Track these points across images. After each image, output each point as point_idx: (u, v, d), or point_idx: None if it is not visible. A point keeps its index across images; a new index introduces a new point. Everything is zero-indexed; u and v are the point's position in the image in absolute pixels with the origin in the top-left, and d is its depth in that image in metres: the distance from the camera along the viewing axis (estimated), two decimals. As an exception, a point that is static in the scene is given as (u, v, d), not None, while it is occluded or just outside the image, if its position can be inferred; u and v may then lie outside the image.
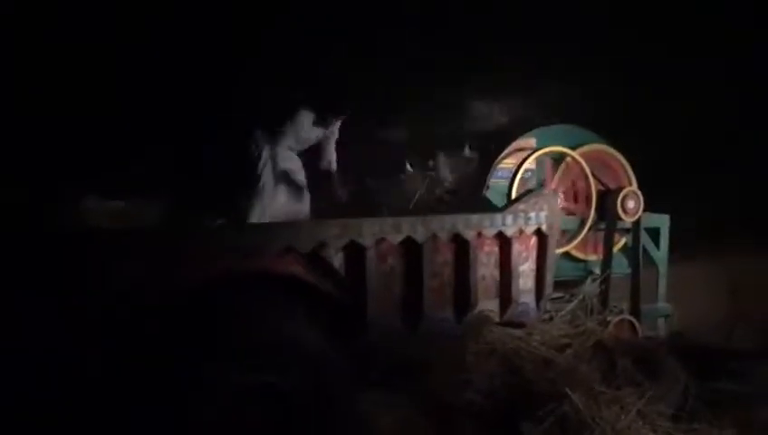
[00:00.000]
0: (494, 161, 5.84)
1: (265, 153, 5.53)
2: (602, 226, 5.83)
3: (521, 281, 4.68)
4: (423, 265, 4.21)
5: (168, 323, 3.42)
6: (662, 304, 6.04)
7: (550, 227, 4.75)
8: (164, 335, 3.41)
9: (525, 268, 4.71)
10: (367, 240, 3.98)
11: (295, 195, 5.67)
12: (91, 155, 5.23)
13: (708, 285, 6.76)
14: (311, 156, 5.94)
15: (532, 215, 4.66)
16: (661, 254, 6.05)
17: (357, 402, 3.98)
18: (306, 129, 5.73)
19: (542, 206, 4.72)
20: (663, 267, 6.05)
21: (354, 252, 3.99)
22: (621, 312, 5.73)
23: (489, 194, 5.79)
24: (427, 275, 4.24)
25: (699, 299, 6.53)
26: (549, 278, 4.82)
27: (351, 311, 4.01)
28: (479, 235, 4.44)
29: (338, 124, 5.93)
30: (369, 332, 4.05)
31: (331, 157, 6.03)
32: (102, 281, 3.29)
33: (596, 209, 5.76)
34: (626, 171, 6.06)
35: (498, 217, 4.52)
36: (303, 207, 5.70)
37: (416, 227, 4.16)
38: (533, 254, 4.75)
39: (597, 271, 5.83)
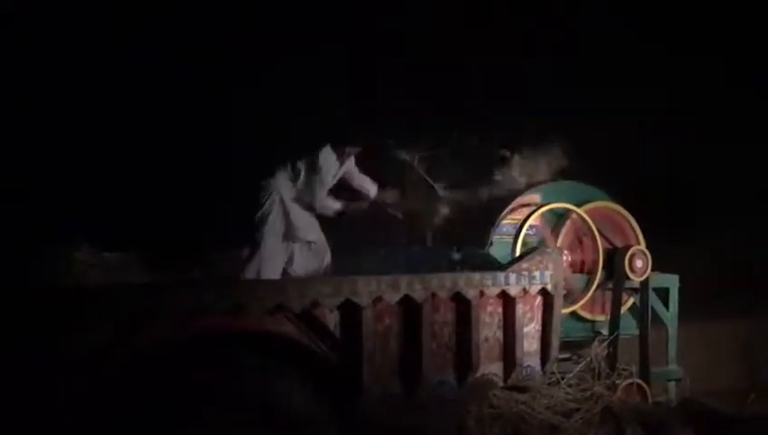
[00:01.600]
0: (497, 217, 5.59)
1: (274, 207, 5.22)
2: (610, 285, 5.55)
3: (525, 343, 4.41)
4: (422, 325, 3.96)
5: (145, 384, 3.18)
6: (672, 367, 5.71)
7: (555, 286, 4.50)
8: (140, 396, 3.16)
9: (530, 329, 4.45)
10: (363, 299, 3.73)
11: (309, 253, 5.29)
12: (85, 205, 5.03)
13: (718, 347, 6.47)
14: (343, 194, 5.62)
15: (537, 274, 4.41)
16: (671, 314, 5.74)
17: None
18: (329, 169, 5.37)
19: (546, 264, 4.47)
20: (673, 329, 5.74)
21: (349, 311, 3.74)
22: (630, 375, 5.40)
23: (493, 250, 5.53)
24: (427, 336, 3.98)
25: (709, 361, 6.23)
26: (554, 340, 4.55)
27: (346, 373, 3.74)
28: (481, 294, 4.19)
29: (352, 157, 5.60)
30: (365, 396, 3.77)
31: (364, 183, 5.66)
32: (72, 340, 3.05)
33: (603, 268, 5.49)
34: (633, 229, 5.80)
35: (501, 275, 4.28)
36: (321, 263, 5.32)
37: (414, 286, 3.91)
38: (538, 314, 4.49)
39: (604, 332, 5.52)
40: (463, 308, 4.14)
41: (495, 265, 5.04)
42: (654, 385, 5.47)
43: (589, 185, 5.81)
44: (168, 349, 3.20)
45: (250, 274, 5.03)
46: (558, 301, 4.53)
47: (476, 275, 4.16)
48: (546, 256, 4.49)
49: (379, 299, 3.81)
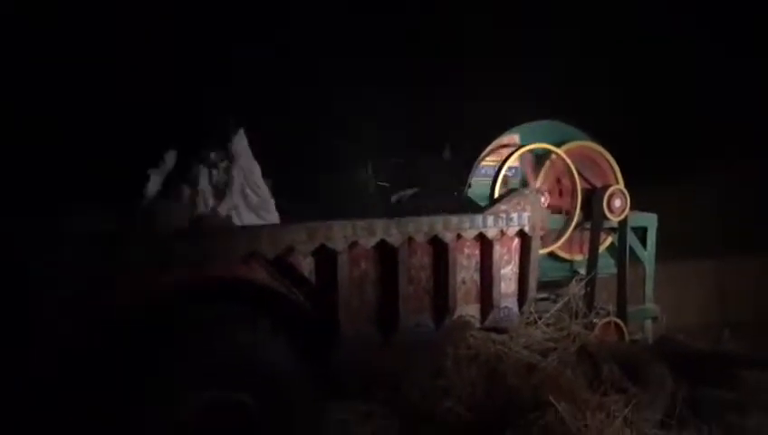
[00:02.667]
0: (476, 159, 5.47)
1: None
2: (588, 225, 5.48)
3: (503, 284, 4.34)
4: (399, 270, 3.87)
5: (118, 338, 3.07)
6: (649, 306, 5.70)
7: (533, 228, 4.41)
8: (114, 351, 3.06)
9: (507, 271, 4.38)
10: (338, 244, 3.63)
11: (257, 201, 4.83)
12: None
13: (694, 286, 6.47)
14: None
15: (515, 216, 4.32)
16: (648, 254, 5.71)
17: (323, 417, 3.64)
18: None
19: (524, 206, 4.37)
20: (650, 268, 5.72)
21: (324, 257, 3.64)
22: (608, 314, 5.39)
23: (471, 193, 5.43)
24: (403, 280, 3.89)
25: (680, 299, 6.24)
26: (532, 281, 4.48)
27: (322, 320, 3.66)
28: (458, 237, 4.10)
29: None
30: (343, 342, 3.71)
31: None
32: (41, 292, 2.93)
33: (581, 208, 5.41)
34: (612, 169, 5.71)
35: (479, 217, 4.18)
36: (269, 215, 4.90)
37: (390, 230, 3.81)
38: (516, 256, 4.42)
39: (582, 271, 5.48)
40: (440, 251, 4.05)
41: (474, 208, 4.97)
42: (631, 323, 5.47)
43: (568, 124, 5.69)
44: (135, 306, 3.08)
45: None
46: (535, 243, 4.45)
47: (454, 218, 4.06)
48: (524, 198, 4.39)
49: (354, 244, 3.70)
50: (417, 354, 4.11)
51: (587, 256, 5.49)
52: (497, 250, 4.26)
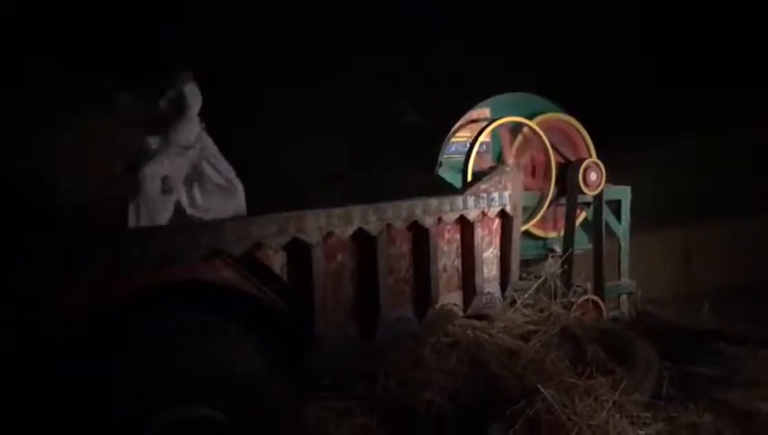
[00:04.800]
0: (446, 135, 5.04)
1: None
2: (562, 201, 5.12)
3: (485, 269, 3.95)
4: (378, 260, 3.42)
5: (73, 352, 2.57)
6: (626, 281, 5.41)
7: (514, 207, 4.02)
8: (68, 366, 2.56)
9: (489, 254, 3.98)
10: (312, 236, 3.16)
11: (219, 193, 4.03)
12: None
13: (664, 257, 6.20)
14: None
15: (496, 195, 3.91)
16: (623, 227, 5.41)
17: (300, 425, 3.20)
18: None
19: (505, 184, 3.97)
20: (625, 242, 5.41)
21: (297, 251, 3.17)
22: (585, 291, 5.06)
23: (442, 171, 5.00)
24: (383, 271, 3.45)
25: (659, 271, 5.97)
26: (514, 264, 4.10)
27: (297, 319, 3.20)
28: (439, 220, 3.67)
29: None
30: (320, 341, 3.25)
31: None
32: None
33: (556, 183, 5.05)
34: (585, 141, 5.35)
35: (459, 199, 3.76)
36: (236, 203, 4.11)
37: (368, 217, 3.35)
38: (497, 238, 4.02)
39: (557, 248, 5.14)
40: (420, 238, 3.62)
41: (448, 188, 4.55)
42: (608, 299, 5.17)
43: (539, 96, 5.30)
44: (88, 317, 2.57)
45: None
46: (517, 223, 4.07)
47: (434, 201, 3.63)
48: (505, 176, 3.98)
49: (329, 235, 3.24)
50: (398, 348, 3.69)
51: (562, 233, 5.15)
52: (479, 233, 3.86)
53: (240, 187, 4.01)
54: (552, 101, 5.31)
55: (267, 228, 3.01)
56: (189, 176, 3.87)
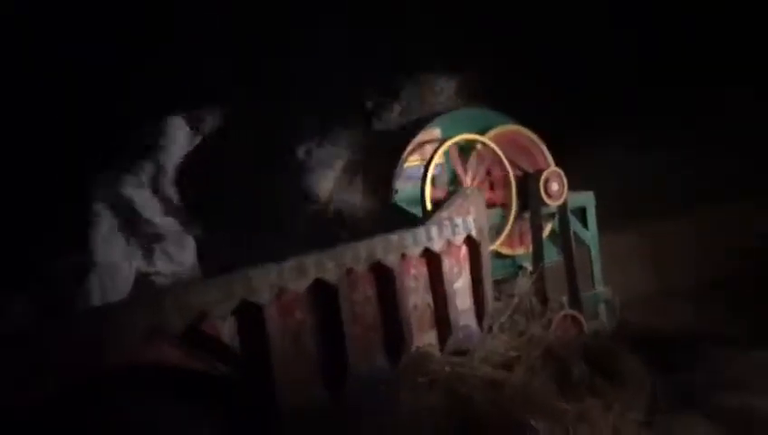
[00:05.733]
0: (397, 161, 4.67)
1: (100, 204, 3.71)
2: (525, 215, 4.79)
3: (458, 301, 3.58)
4: (341, 311, 3.02)
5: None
6: (600, 289, 5.09)
7: (480, 231, 3.67)
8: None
9: (460, 285, 3.62)
10: (263, 296, 2.74)
11: (172, 246, 3.90)
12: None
13: (633, 259, 5.91)
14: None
15: (459, 221, 3.56)
16: (591, 234, 5.10)
17: None
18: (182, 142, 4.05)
19: (467, 208, 3.62)
20: (595, 249, 5.10)
21: (248, 315, 2.75)
22: (562, 306, 4.72)
23: (399, 199, 4.64)
24: (348, 320, 3.05)
25: (626, 274, 5.67)
26: (488, 291, 3.75)
27: (256, 390, 2.77)
28: (402, 257, 3.29)
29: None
30: (282, 409, 2.82)
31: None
32: None
33: (517, 198, 4.72)
34: (542, 151, 5.05)
35: (421, 231, 3.39)
36: (185, 257, 3.95)
37: (324, 265, 2.95)
38: (466, 266, 3.66)
39: (527, 265, 4.80)
40: (383, 278, 3.24)
41: (406, 217, 4.19)
42: (584, 311, 4.84)
43: (488, 110, 4.99)
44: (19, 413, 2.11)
45: (95, 297, 3.59)
46: (485, 247, 3.72)
47: (393, 237, 3.25)
48: (466, 199, 3.64)
49: (283, 291, 2.83)
50: (373, 405, 3.28)
51: (530, 249, 4.82)
52: (446, 263, 3.49)
53: (190, 237, 3.65)
54: (501, 112, 5.01)
55: (210, 295, 2.58)
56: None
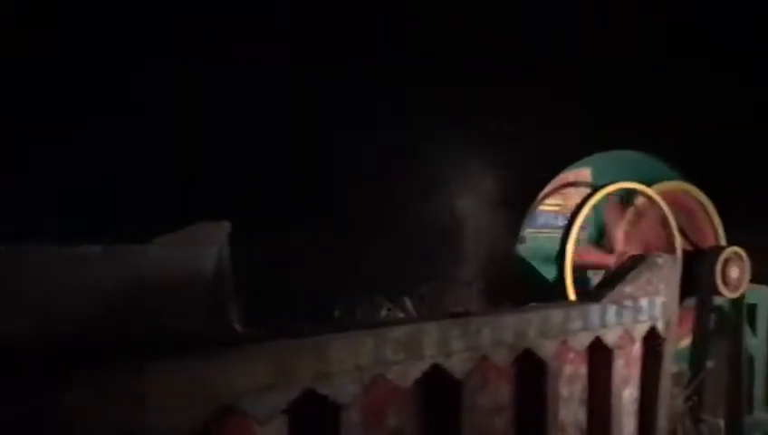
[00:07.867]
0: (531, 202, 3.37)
1: None
2: (689, 302, 3.39)
3: (622, 422, 2.20)
4: (461, 419, 1.71)
5: None
6: (763, 416, 3.60)
7: (668, 324, 2.29)
8: None
9: (626, 397, 2.24)
10: (341, 387, 1.47)
11: None
12: None
13: None
14: None
15: (645, 304, 2.20)
16: (759, 341, 3.63)
17: None
18: None
19: (657, 286, 2.26)
20: (761, 361, 3.62)
21: (311, 414, 1.47)
22: (719, 430, 3.29)
23: (525, 251, 3.32)
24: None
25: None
26: (662, 414, 2.34)
27: None
28: (563, 345, 1.96)
29: None
30: None
31: None
32: None
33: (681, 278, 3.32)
34: (711, 222, 3.65)
35: (594, 310, 2.04)
36: None
37: (449, 344, 1.65)
38: (635, 372, 2.28)
39: (682, 366, 3.39)
40: (528, 374, 1.90)
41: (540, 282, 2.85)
42: None
43: (651, 156, 3.65)
44: None
45: None
46: (670, 348, 2.32)
47: (557, 314, 1.91)
48: (656, 272, 2.26)
49: (377, 381, 1.53)
50: None
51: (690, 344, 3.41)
52: (618, 365, 2.13)
53: None
54: (668, 162, 3.66)
55: (250, 379, 1.30)
56: None
